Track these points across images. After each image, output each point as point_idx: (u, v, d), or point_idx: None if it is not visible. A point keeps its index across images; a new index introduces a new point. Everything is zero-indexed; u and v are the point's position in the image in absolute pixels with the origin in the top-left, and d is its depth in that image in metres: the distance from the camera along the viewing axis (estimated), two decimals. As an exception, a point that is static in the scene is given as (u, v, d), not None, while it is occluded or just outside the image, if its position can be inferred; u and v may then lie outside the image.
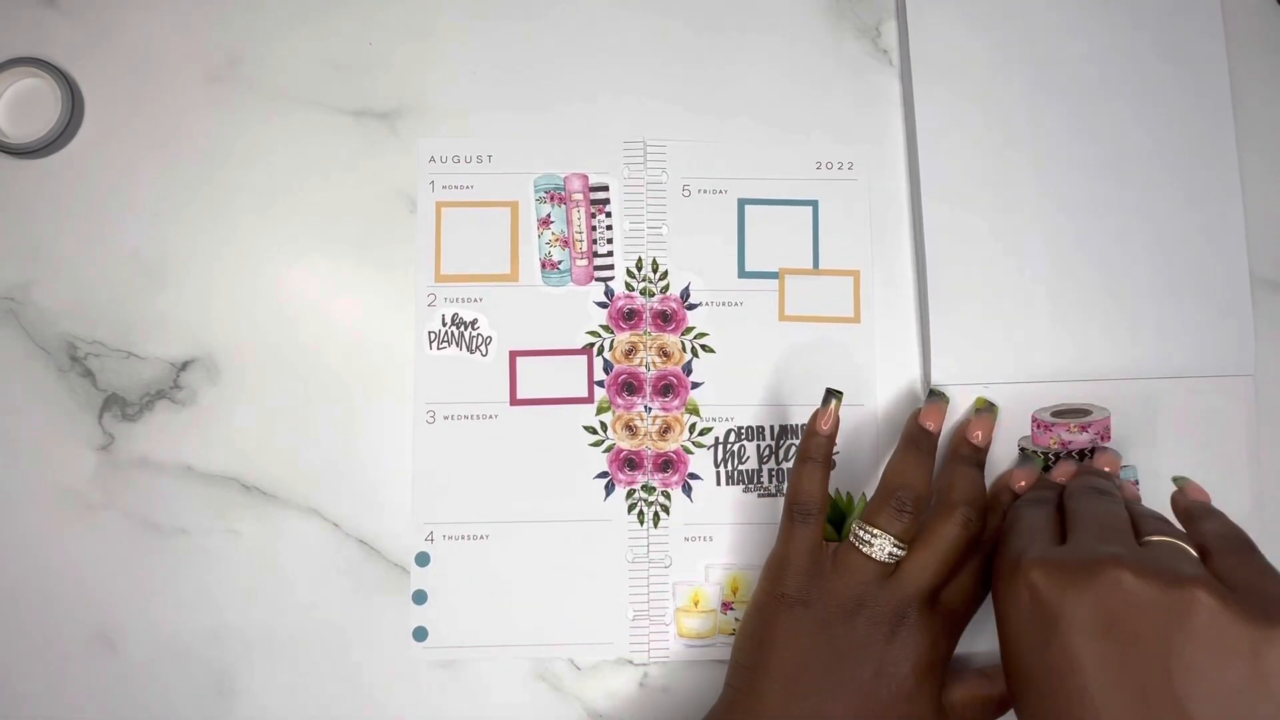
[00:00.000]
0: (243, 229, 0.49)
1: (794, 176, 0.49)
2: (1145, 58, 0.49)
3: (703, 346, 0.49)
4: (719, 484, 0.48)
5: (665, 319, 0.49)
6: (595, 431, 0.48)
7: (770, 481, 0.48)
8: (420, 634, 0.47)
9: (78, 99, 0.49)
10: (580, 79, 0.50)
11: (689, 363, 0.49)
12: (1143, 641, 0.32)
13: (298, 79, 0.49)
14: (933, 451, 0.43)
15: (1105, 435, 0.47)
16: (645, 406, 0.48)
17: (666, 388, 0.48)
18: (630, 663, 0.47)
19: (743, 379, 0.48)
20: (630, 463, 0.48)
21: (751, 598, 0.43)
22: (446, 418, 0.48)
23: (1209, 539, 0.36)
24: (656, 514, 0.48)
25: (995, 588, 0.37)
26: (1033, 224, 0.48)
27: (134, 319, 0.48)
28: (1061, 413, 0.47)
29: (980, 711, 0.41)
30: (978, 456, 0.44)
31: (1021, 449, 0.47)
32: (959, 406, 0.47)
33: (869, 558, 0.40)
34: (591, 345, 0.48)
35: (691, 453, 0.48)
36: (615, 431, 0.48)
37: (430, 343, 0.48)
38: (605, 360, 0.48)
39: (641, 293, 0.49)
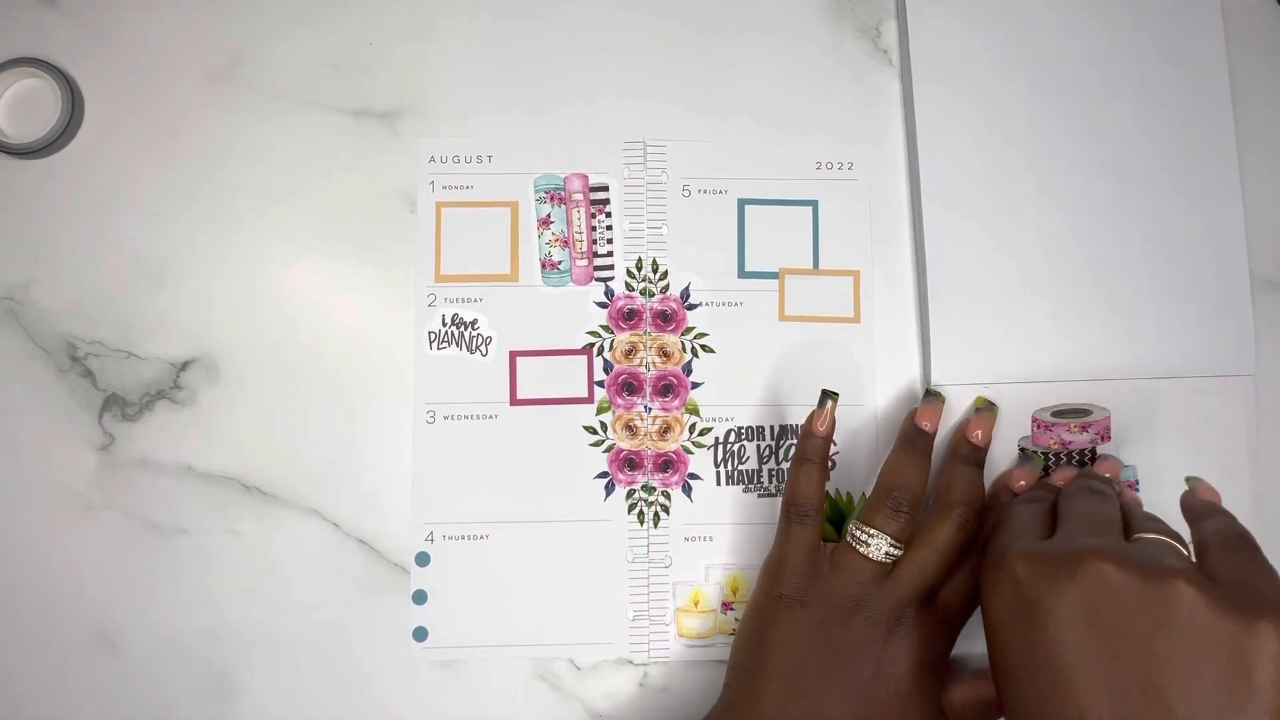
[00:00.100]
0: (243, 229, 0.49)
1: (794, 176, 0.49)
2: (1145, 58, 0.49)
3: (703, 346, 0.49)
4: (719, 484, 0.48)
5: (665, 319, 0.49)
6: (595, 431, 0.48)
7: (770, 481, 0.48)
8: (420, 634, 0.47)
9: (78, 99, 0.49)
10: (580, 79, 0.50)
11: (689, 363, 0.49)
12: (1124, 633, 0.32)
13: (298, 79, 0.49)
14: (929, 451, 0.43)
15: (1105, 435, 0.47)
16: (645, 406, 0.48)
17: (666, 388, 0.48)
18: (630, 663, 0.47)
19: (743, 379, 0.48)
20: (630, 463, 0.48)
21: (750, 598, 0.43)
22: (446, 418, 0.48)
23: (1207, 536, 0.36)
24: (656, 514, 0.48)
25: (982, 580, 0.37)
26: (1033, 224, 0.48)
27: (134, 319, 0.48)
28: (1061, 413, 0.47)
29: (980, 713, 0.41)
30: (977, 456, 0.44)
31: (1021, 449, 0.47)
32: (959, 406, 0.47)
33: (866, 558, 0.40)
34: (591, 345, 0.48)
35: (691, 453, 0.48)
36: (615, 431, 0.48)
37: (430, 343, 0.48)
38: (605, 360, 0.48)
39: (641, 293, 0.49)
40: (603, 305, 0.49)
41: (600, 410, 0.48)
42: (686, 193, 0.49)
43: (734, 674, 0.42)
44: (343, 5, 0.50)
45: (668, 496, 0.48)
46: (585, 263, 0.49)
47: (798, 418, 0.48)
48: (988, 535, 0.43)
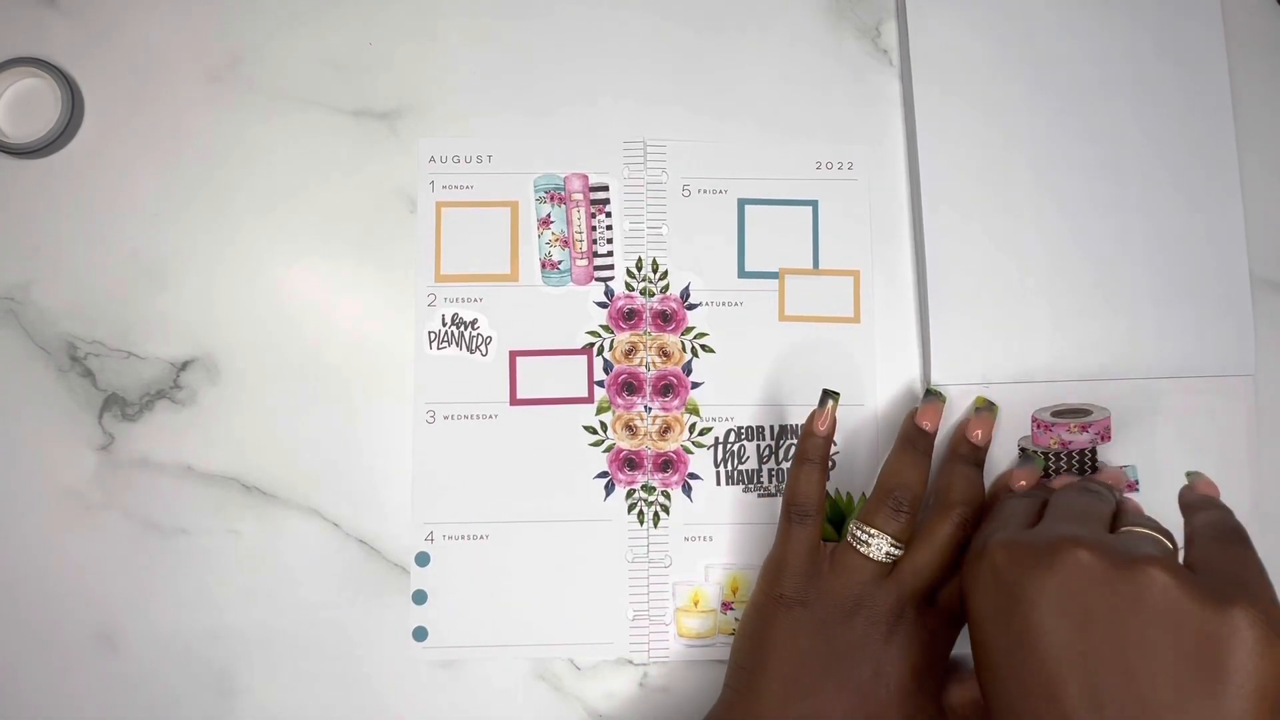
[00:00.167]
0: (243, 229, 0.49)
1: (794, 176, 0.49)
2: (1145, 58, 0.49)
3: (703, 346, 0.49)
4: (719, 484, 0.48)
5: (665, 319, 0.49)
6: (595, 431, 0.48)
7: (770, 481, 0.48)
8: (420, 634, 0.47)
9: (78, 99, 0.49)
10: (580, 79, 0.50)
11: (689, 363, 0.49)
12: (1096, 617, 0.32)
13: (298, 79, 0.49)
14: (929, 451, 0.43)
15: (1105, 435, 0.47)
16: (645, 406, 0.48)
17: (666, 388, 0.48)
18: (630, 663, 0.47)
19: (743, 379, 0.48)
20: (630, 463, 0.48)
21: (750, 598, 0.43)
22: (446, 418, 0.48)
23: (1197, 529, 0.36)
24: (656, 514, 0.48)
25: (963, 570, 0.38)
26: (1033, 224, 0.48)
27: (134, 319, 0.48)
28: (1061, 413, 0.47)
29: (980, 713, 0.41)
30: (977, 456, 0.44)
31: (1021, 449, 0.47)
32: (959, 406, 0.47)
33: (866, 558, 0.40)
34: (591, 345, 0.48)
35: (691, 453, 0.48)
36: (615, 431, 0.48)
37: (430, 343, 0.48)
38: (605, 360, 0.48)
39: (641, 293, 0.49)
40: (603, 305, 0.49)
41: (600, 410, 0.48)
42: (686, 193, 0.49)
43: (734, 674, 0.42)
44: (343, 5, 0.50)
45: (668, 496, 0.48)
46: (585, 263, 0.49)
47: (798, 418, 0.48)
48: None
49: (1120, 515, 0.37)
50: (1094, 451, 0.47)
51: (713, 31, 0.50)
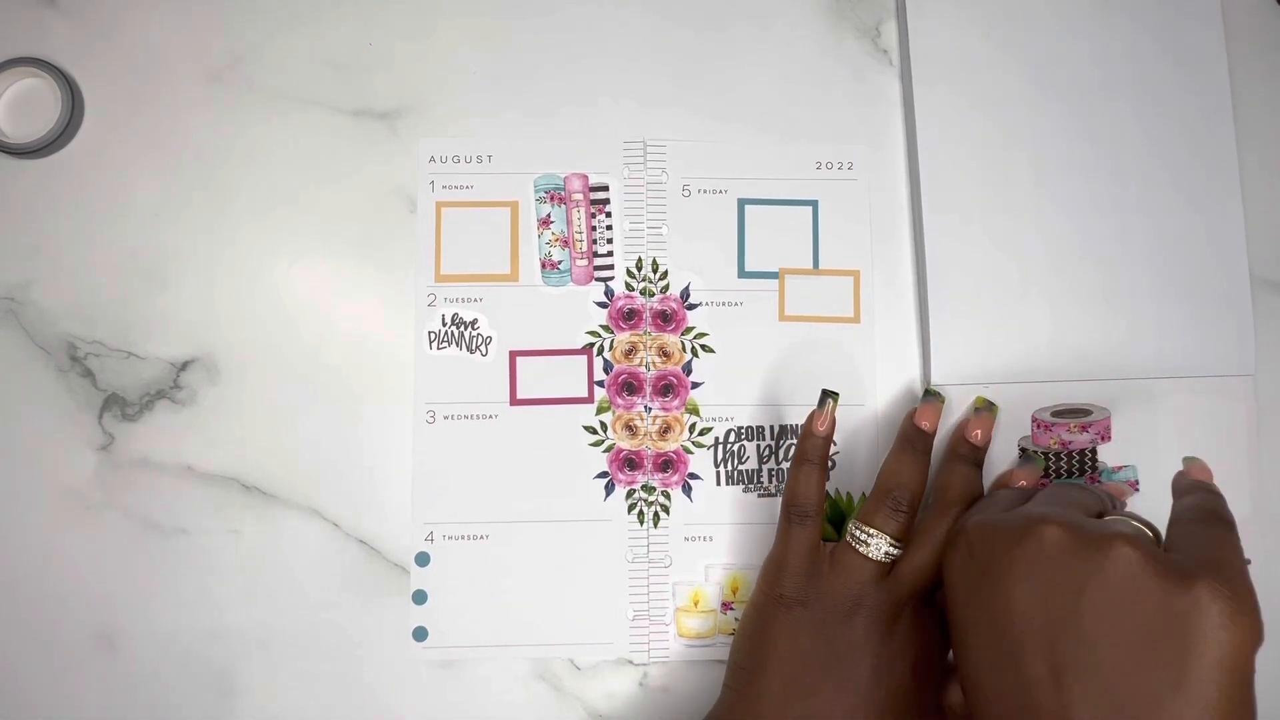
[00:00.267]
0: (243, 229, 0.49)
1: (794, 176, 0.49)
2: (1145, 58, 0.49)
3: (703, 346, 0.49)
4: (719, 484, 0.48)
5: (665, 319, 0.49)
6: (595, 431, 0.48)
7: (770, 481, 0.48)
8: (420, 634, 0.47)
9: (78, 99, 0.49)
10: (580, 79, 0.50)
11: (689, 363, 0.49)
12: (1060, 588, 0.33)
13: (298, 79, 0.49)
14: (928, 451, 0.43)
15: (1105, 435, 0.47)
16: (645, 406, 0.48)
17: (666, 388, 0.48)
18: (630, 663, 0.47)
19: (743, 379, 0.48)
20: (630, 463, 0.48)
21: (749, 599, 0.43)
22: (446, 418, 0.48)
23: (1180, 511, 0.36)
24: (656, 514, 0.48)
25: (943, 552, 0.38)
26: (1033, 224, 0.48)
27: (134, 319, 0.48)
28: (1061, 413, 0.47)
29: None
30: (976, 456, 0.44)
31: (1021, 449, 0.47)
32: (958, 406, 0.47)
33: (865, 558, 0.40)
34: (591, 345, 0.48)
35: (691, 453, 0.48)
36: (615, 431, 0.48)
37: (430, 343, 0.48)
38: (605, 360, 0.48)
39: (641, 293, 0.49)
40: (603, 305, 0.49)
41: (600, 410, 0.48)
42: (686, 193, 0.49)
43: (734, 674, 0.42)
44: (343, 5, 0.50)
45: (668, 496, 0.48)
46: (585, 263, 0.49)
47: (798, 418, 0.48)
48: None
49: (1110, 510, 0.37)
50: (1094, 451, 0.47)
51: (713, 32, 0.50)
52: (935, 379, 0.47)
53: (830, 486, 0.48)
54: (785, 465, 0.48)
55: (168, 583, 0.47)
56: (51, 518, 0.47)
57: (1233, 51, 0.49)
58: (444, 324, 0.48)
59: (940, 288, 0.47)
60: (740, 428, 0.48)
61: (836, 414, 0.44)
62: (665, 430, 0.48)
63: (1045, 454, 0.47)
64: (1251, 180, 0.49)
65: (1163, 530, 0.35)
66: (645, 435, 0.48)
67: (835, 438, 0.47)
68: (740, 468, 0.48)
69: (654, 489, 0.48)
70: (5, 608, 0.47)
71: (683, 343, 0.49)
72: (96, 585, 0.47)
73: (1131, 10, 0.49)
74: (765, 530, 0.47)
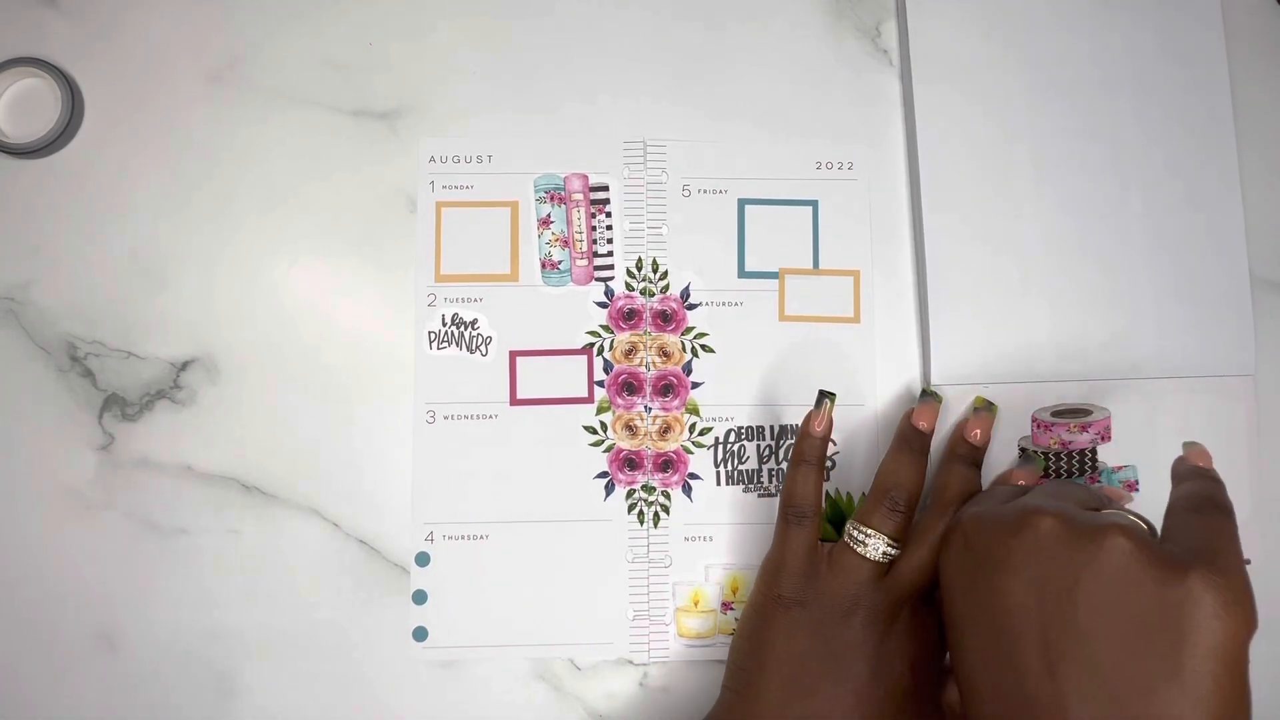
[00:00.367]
0: (243, 229, 0.49)
1: (794, 176, 0.49)
2: (1145, 58, 0.49)
3: (703, 346, 0.49)
4: (719, 484, 0.48)
5: (665, 319, 0.49)
6: (595, 431, 0.48)
7: (770, 481, 0.48)
8: (420, 634, 0.47)
9: (78, 99, 0.49)
10: (580, 79, 0.50)
11: (689, 363, 0.49)
12: (1053, 578, 0.33)
13: (298, 79, 0.49)
14: (925, 451, 0.43)
15: (1105, 435, 0.47)
16: (645, 406, 0.48)
17: (666, 388, 0.48)
18: (630, 663, 0.47)
19: (743, 379, 0.48)
20: (630, 463, 0.48)
21: (748, 599, 0.43)
22: (446, 418, 0.48)
23: (1176, 500, 0.36)
24: (656, 514, 0.48)
25: (939, 545, 0.38)
26: (1032, 224, 0.48)
27: (134, 319, 0.48)
28: (1061, 413, 0.47)
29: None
30: (975, 456, 0.44)
31: (1021, 449, 0.47)
32: (958, 406, 0.47)
33: (864, 558, 0.40)
34: (591, 345, 0.48)
35: (691, 453, 0.48)
36: (615, 431, 0.48)
37: (430, 343, 0.48)
38: (605, 360, 0.48)
39: (641, 293, 0.49)
40: (603, 305, 0.49)
41: (600, 410, 0.48)
42: (686, 193, 0.49)
43: (733, 674, 0.42)
44: (343, 5, 0.50)
45: (668, 496, 0.48)
46: (585, 263, 0.49)
47: (798, 417, 0.48)
48: None
49: (1103, 508, 0.37)
50: (1094, 451, 0.47)
51: (713, 32, 0.50)
52: (935, 379, 0.47)
53: (830, 487, 0.48)
54: (785, 465, 0.48)
55: (167, 583, 0.47)
56: (51, 518, 0.47)
57: (1233, 51, 0.49)
58: (444, 324, 0.48)
59: (940, 288, 0.47)
60: (740, 428, 0.48)
61: (834, 414, 0.44)
62: (665, 430, 0.48)
63: (1045, 454, 0.47)
64: (1251, 180, 0.49)
65: (1158, 523, 0.35)
66: (645, 435, 0.48)
67: (834, 438, 0.47)
68: (740, 468, 0.48)
69: (654, 489, 0.48)
70: (5, 608, 0.47)
71: (683, 343, 0.49)
72: (96, 585, 0.47)
73: (1131, 10, 0.49)
74: (765, 530, 0.47)
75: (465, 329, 0.48)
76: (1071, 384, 0.47)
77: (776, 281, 0.49)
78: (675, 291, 0.49)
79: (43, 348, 0.48)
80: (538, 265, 0.49)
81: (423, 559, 0.47)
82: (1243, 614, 0.31)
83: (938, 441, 0.46)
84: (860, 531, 0.41)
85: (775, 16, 0.50)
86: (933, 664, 0.41)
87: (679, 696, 0.47)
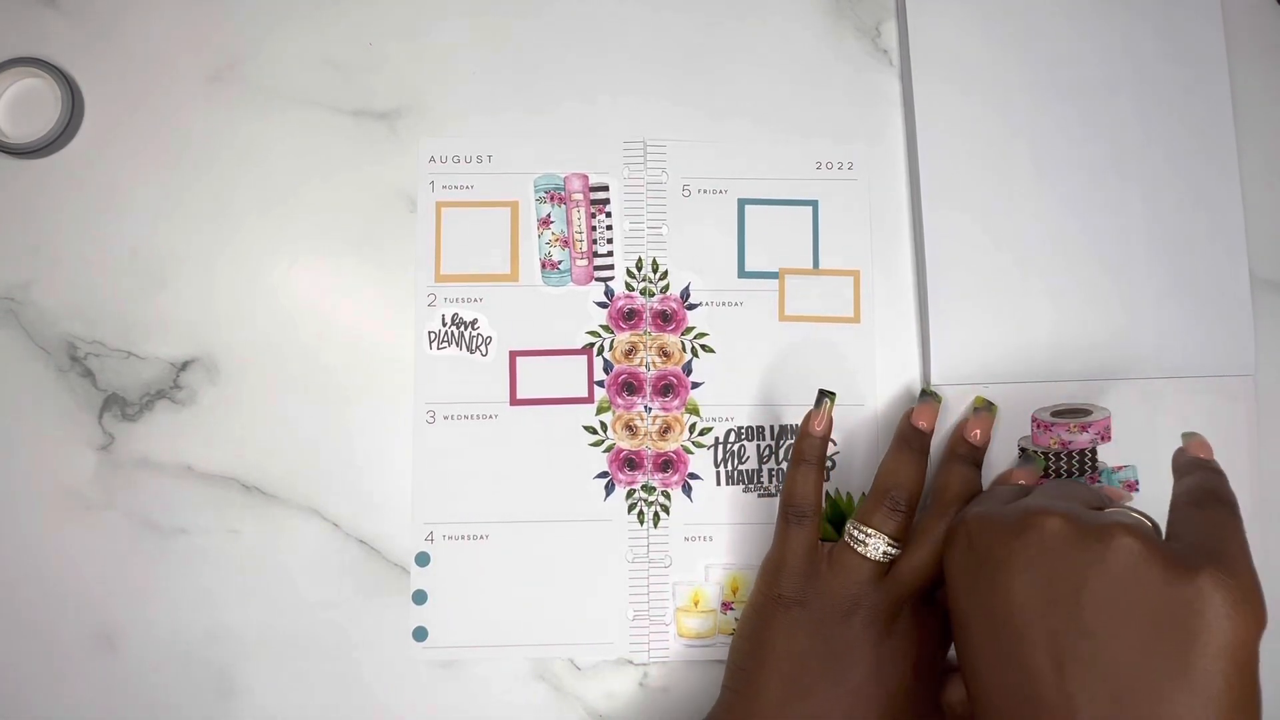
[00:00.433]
0: (243, 229, 0.49)
1: (794, 176, 0.49)
2: (1145, 58, 0.49)
3: (703, 346, 0.49)
4: (719, 484, 0.48)
5: (665, 319, 0.49)
6: (595, 431, 0.48)
7: (770, 481, 0.48)
8: (420, 634, 0.47)
9: (78, 99, 0.49)
10: (580, 79, 0.50)
11: (689, 363, 0.49)
12: (1061, 580, 0.32)
13: (297, 79, 0.49)
14: (925, 450, 0.43)
15: (1105, 435, 0.47)
16: (645, 406, 0.48)
17: (666, 388, 0.48)
18: (630, 663, 0.47)
19: (743, 379, 0.48)
20: (630, 463, 0.48)
21: (748, 599, 0.43)
22: (446, 418, 0.48)
23: (1178, 494, 0.36)
24: (656, 514, 0.48)
25: (943, 546, 0.38)
26: (1033, 224, 0.48)
27: (134, 319, 0.48)
28: (1061, 413, 0.47)
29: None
30: (975, 456, 0.44)
31: (1021, 449, 0.47)
32: (958, 406, 0.47)
33: (864, 557, 0.40)
34: (591, 345, 0.48)
35: (691, 453, 0.48)
36: (615, 431, 0.48)
37: (430, 343, 0.48)
38: (605, 360, 0.48)
39: (641, 293, 0.49)
40: (603, 305, 0.49)
41: (600, 410, 0.48)
42: (686, 193, 0.49)
43: (733, 674, 0.42)
44: (343, 5, 0.50)
45: (668, 496, 0.48)
46: (585, 263, 0.49)
47: (798, 417, 0.48)
48: None
49: (1106, 504, 0.37)
50: (1094, 451, 0.47)
51: (712, 31, 0.50)
52: (935, 379, 0.47)
53: (830, 487, 0.48)
54: (785, 465, 0.48)
55: (167, 583, 0.47)
56: (51, 518, 0.47)
57: (1233, 51, 0.49)
58: (444, 324, 0.48)
59: (940, 287, 0.47)
60: (740, 428, 0.48)
61: (834, 414, 0.44)
62: (665, 430, 0.48)
63: (1045, 454, 0.47)
64: (1251, 180, 0.49)
65: (1162, 519, 0.35)
66: (645, 435, 0.48)
67: (834, 437, 0.47)
68: (740, 468, 0.48)
69: (654, 489, 0.48)
70: (5, 608, 0.47)
71: (683, 343, 0.49)
72: (96, 585, 0.47)
73: (1132, 10, 0.49)
74: (765, 530, 0.47)
75: (465, 329, 0.48)
76: (1071, 384, 0.47)
77: (776, 281, 0.49)
78: (675, 291, 0.49)
79: (43, 348, 0.48)
80: (538, 265, 0.49)
81: (423, 559, 0.47)
82: (1252, 612, 0.31)
83: (938, 441, 0.46)
84: (860, 531, 0.41)
85: (775, 16, 0.50)
86: (933, 664, 0.41)
87: (679, 696, 0.47)
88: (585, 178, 0.49)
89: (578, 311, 0.49)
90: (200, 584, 0.47)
